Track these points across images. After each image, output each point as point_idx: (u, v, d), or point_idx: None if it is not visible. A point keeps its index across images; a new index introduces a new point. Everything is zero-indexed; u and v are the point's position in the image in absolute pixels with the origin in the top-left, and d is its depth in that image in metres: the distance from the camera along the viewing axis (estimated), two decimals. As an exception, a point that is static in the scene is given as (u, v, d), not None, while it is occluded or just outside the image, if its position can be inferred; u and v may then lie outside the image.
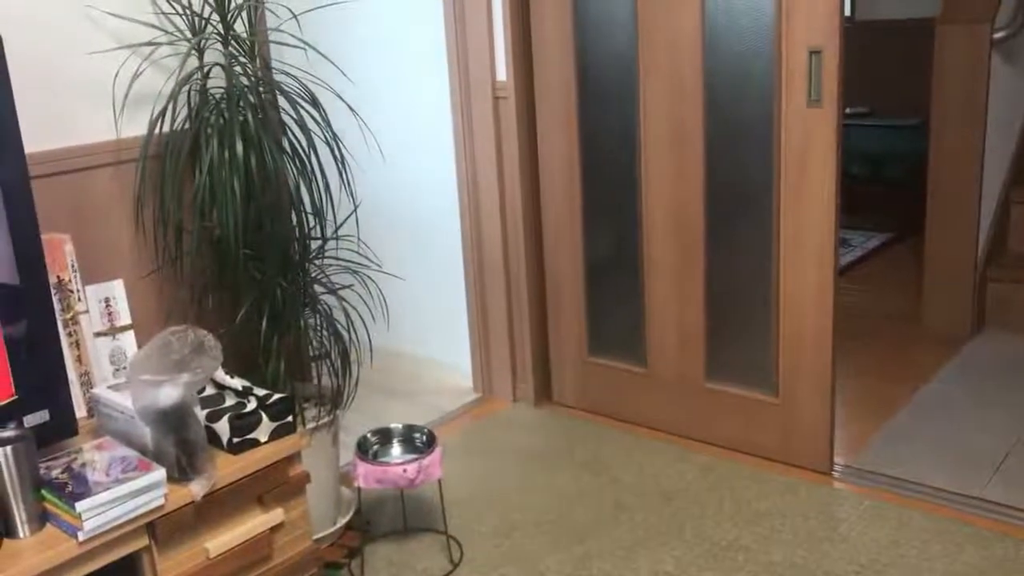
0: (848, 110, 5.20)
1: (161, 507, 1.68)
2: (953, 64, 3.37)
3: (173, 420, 1.71)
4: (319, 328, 2.18)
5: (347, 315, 2.24)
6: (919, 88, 3.70)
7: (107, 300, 2.07)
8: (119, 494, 1.61)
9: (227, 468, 1.81)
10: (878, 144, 5.11)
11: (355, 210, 2.35)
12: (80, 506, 1.56)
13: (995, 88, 3.39)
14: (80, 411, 1.97)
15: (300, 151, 2.15)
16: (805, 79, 2.40)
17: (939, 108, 3.43)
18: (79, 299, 2.00)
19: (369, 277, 2.47)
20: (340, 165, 2.14)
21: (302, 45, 2.09)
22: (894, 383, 3.19)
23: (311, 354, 2.27)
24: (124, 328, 2.09)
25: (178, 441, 1.72)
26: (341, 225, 2.24)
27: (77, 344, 2.00)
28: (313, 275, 2.21)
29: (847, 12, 5.30)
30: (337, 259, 2.25)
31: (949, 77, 3.38)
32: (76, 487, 1.62)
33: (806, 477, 2.61)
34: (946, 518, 2.37)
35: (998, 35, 3.32)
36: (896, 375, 3.26)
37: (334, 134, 2.12)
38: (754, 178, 2.57)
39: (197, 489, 1.73)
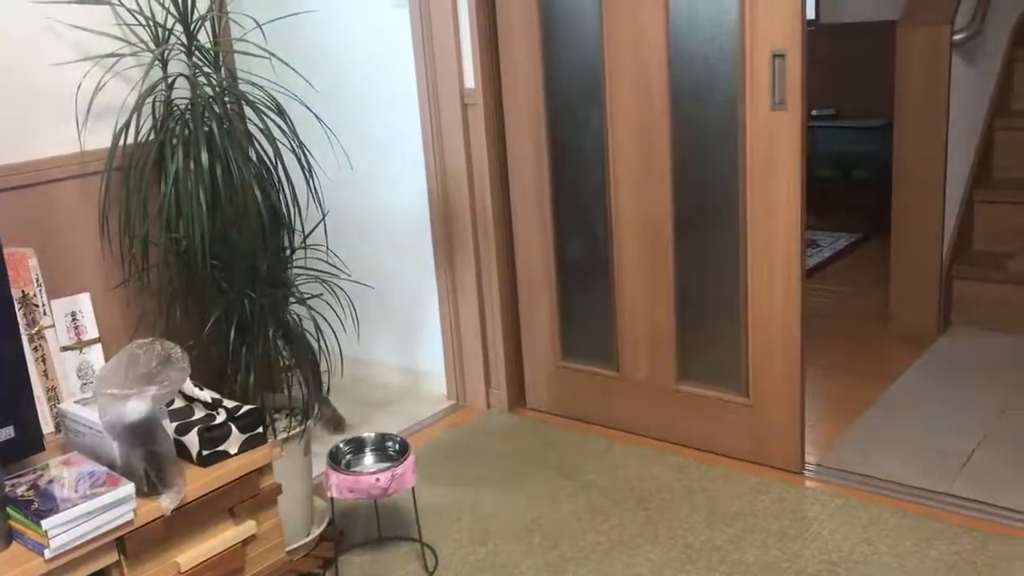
0: (814, 112, 5.28)
1: (130, 522, 1.67)
2: (915, 65, 3.41)
3: (141, 434, 1.69)
4: (289, 339, 2.17)
5: (316, 325, 2.23)
6: (884, 89, 3.75)
7: (74, 314, 2.05)
8: (86, 510, 1.60)
9: (197, 481, 1.80)
10: (845, 145, 5.17)
11: (323, 219, 2.35)
12: (46, 523, 1.55)
13: (956, 89, 3.44)
14: (47, 426, 1.95)
15: (267, 161, 2.14)
16: (769, 82, 2.42)
17: (902, 109, 3.48)
18: (44, 313, 1.98)
19: (339, 286, 2.47)
20: (307, 175, 2.14)
21: (267, 55, 2.08)
22: (863, 382, 3.22)
23: (281, 365, 2.25)
24: (91, 342, 2.08)
25: (147, 455, 1.71)
26: (309, 234, 2.24)
27: (43, 359, 1.98)
28: (282, 285, 2.20)
29: (812, 15, 5.36)
30: (306, 269, 2.24)
31: (911, 78, 3.43)
32: (42, 504, 1.60)
33: (777, 477, 2.63)
34: (916, 514, 2.40)
35: (958, 36, 3.37)
36: (865, 374, 3.30)
37: (300, 143, 2.12)
38: (721, 181, 2.59)
39: (167, 503, 1.71)
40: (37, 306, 1.97)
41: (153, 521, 1.71)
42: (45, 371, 1.98)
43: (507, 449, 2.91)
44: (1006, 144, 3.85)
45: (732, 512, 2.47)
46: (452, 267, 3.13)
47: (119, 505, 1.65)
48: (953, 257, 3.62)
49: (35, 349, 1.96)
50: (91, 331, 2.07)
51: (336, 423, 3.08)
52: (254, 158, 2.12)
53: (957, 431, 2.81)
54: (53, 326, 2.01)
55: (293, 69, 2.14)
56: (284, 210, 2.12)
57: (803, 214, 2.48)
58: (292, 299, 2.16)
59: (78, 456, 1.80)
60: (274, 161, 2.14)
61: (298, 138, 2.13)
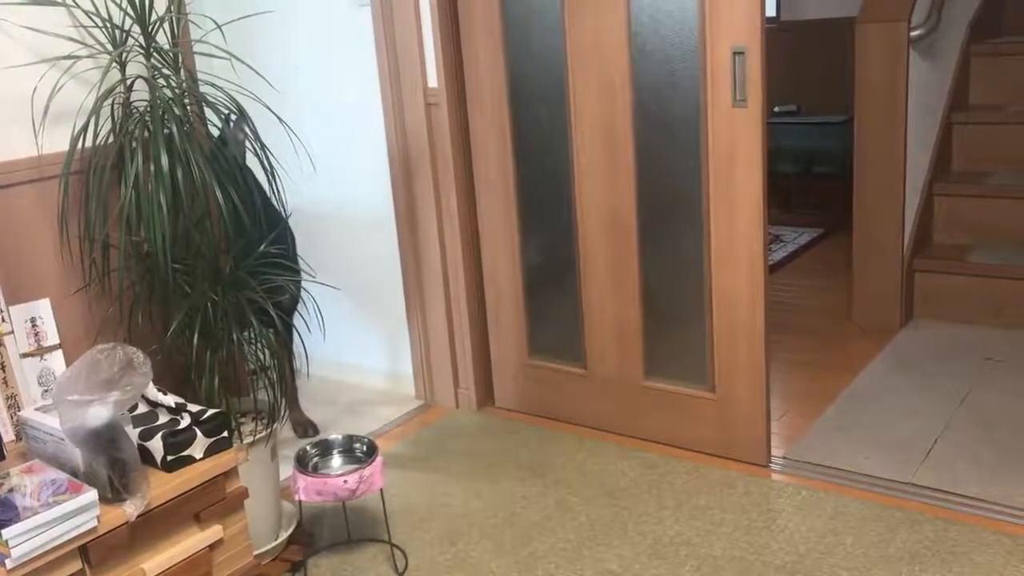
0: (776, 108, 5.33)
1: (94, 529, 1.65)
2: (874, 62, 3.46)
3: (103, 440, 1.67)
4: (253, 342, 2.16)
5: (280, 327, 2.22)
6: (845, 86, 3.79)
7: (33, 320, 2.03)
8: (48, 518, 1.58)
9: (162, 487, 1.78)
10: (807, 141, 5.23)
11: (286, 221, 2.34)
12: (7, 533, 1.52)
13: (915, 85, 3.49)
14: (8, 435, 1.93)
15: (228, 163, 2.12)
16: (730, 80, 2.44)
17: (862, 105, 3.53)
18: (3, 320, 1.95)
19: (304, 288, 2.46)
20: (270, 176, 2.12)
21: (227, 56, 2.06)
22: (828, 375, 3.26)
23: (247, 368, 2.24)
24: (52, 348, 2.05)
25: (109, 461, 1.69)
26: (272, 237, 2.22)
27: (2, 366, 1.95)
28: (245, 287, 2.18)
29: (772, 12, 5.41)
30: (270, 271, 2.22)
31: (870, 74, 3.48)
32: (2, 513, 1.57)
33: (744, 470, 2.65)
34: (880, 504, 2.43)
35: (915, 33, 3.42)
36: (829, 367, 3.34)
37: (263, 145, 2.10)
38: (684, 178, 2.61)
39: (131, 509, 1.70)
40: (-5, 313, 1.94)
41: (117, 528, 1.69)
42: (5, 379, 1.95)
43: (476, 448, 2.91)
44: (964, 138, 3.92)
45: (700, 506, 2.49)
46: (418, 266, 3.13)
47: (82, 513, 1.63)
48: (914, 250, 3.67)
49: (-6, 356, 1.94)
50: (52, 337, 2.05)
51: (305, 426, 3.07)
52: (216, 160, 2.10)
53: (919, 421, 2.85)
54: (12, 333, 1.98)
55: (254, 70, 2.12)
56: (246, 212, 2.10)
57: (765, 209, 2.50)
58: (256, 301, 2.13)
59: (40, 464, 1.77)
60: (237, 163, 2.12)
61: (260, 140, 2.11)
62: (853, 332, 3.65)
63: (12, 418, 1.95)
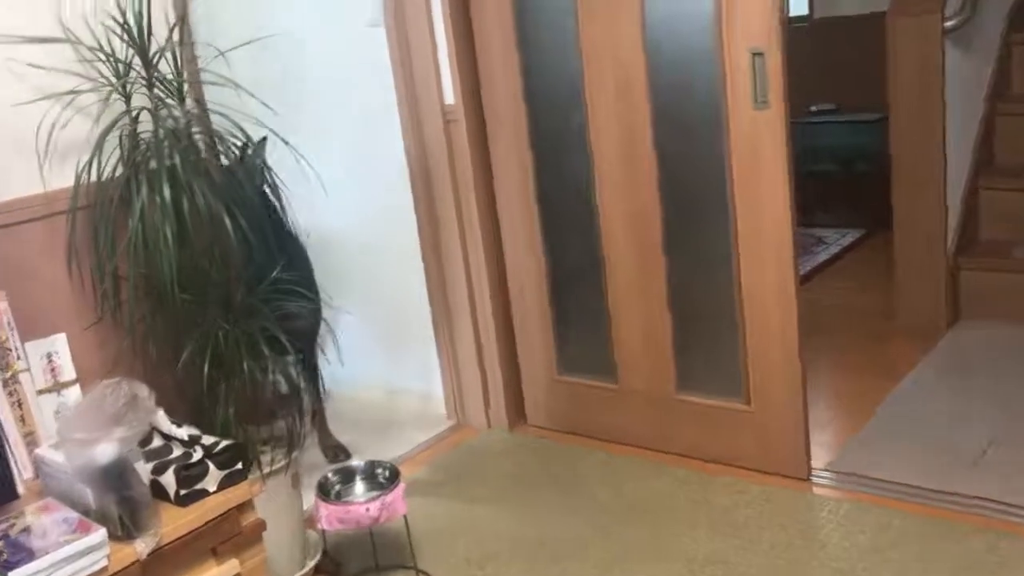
0: (814, 108, 5.20)
1: (104, 569, 1.63)
2: (907, 56, 3.35)
3: (112, 478, 1.65)
4: (269, 370, 2.13)
5: (301, 352, 2.19)
6: (881, 82, 3.67)
7: (49, 355, 2.02)
8: (56, 559, 1.56)
9: (175, 522, 1.75)
10: (846, 140, 5.10)
11: (303, 245, 2.31)
12: (14, 575, 1.51)
13: (952, 76, 3.37)
14: (27, 472, 1.92)
15: (243, 190, 2.10)
16: (750, 81, 2.37)
17: (897, 101, 3.42)
18: (18, 357, 1.95)
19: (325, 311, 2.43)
20: (281, 202, 2.10)
21: (230, 84, 2.05)
22: (871, 380, 3.14)
23: (264, 397, 2.21)
24: (69, 383, 2.04)
25: (119, 499, 1.66)
26: (285, 262, 2.20)
27: (19, 404, 1.95)
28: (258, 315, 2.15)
29: (805, 10, 5.30)
30: (284, 298, 2.19)
31: (904, 69, 3.36)
32: (12, 555, 1.56)
33: (783, 484, 2.56)
34: (925, 516, 2.32)
35: (949, 24, 3.30)
36: (873, 372, 3.22)
37: (269, 170, 2.08)
38: (708, 183, 2.54)
39: (141, 547, 1.67)
40: (10, 350, 1.93)
41: (129, 566, 1.66)
42: (22, 416, 1.95)
43: (508, 468, 2.86)
44: (1007, 129, 3.77)
45: (737, 522, 2.40)
46: (444, 285, 3.09)
47: (91, 552, 1.60)
48: (958, 248, 3.53)
49: (10, 394, 1.93)
50: (68, 372, 2.04)
51: (335, 450, 3.04)
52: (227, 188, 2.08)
53: (968, 426, 2.73)
54: (28, 369, 1.97)
55: (260, 100, 2.09)
56: (257, 239, 2.07)
57: (794, 212, 2.42)
58: (266, 330, 2.11)
59: (53, 502, 1.76)
60: (249, 189, 2.10)
61: (268, 167, 2.09)
62: (898, 335, 3.53)
63: (30, 455, 1.95)
